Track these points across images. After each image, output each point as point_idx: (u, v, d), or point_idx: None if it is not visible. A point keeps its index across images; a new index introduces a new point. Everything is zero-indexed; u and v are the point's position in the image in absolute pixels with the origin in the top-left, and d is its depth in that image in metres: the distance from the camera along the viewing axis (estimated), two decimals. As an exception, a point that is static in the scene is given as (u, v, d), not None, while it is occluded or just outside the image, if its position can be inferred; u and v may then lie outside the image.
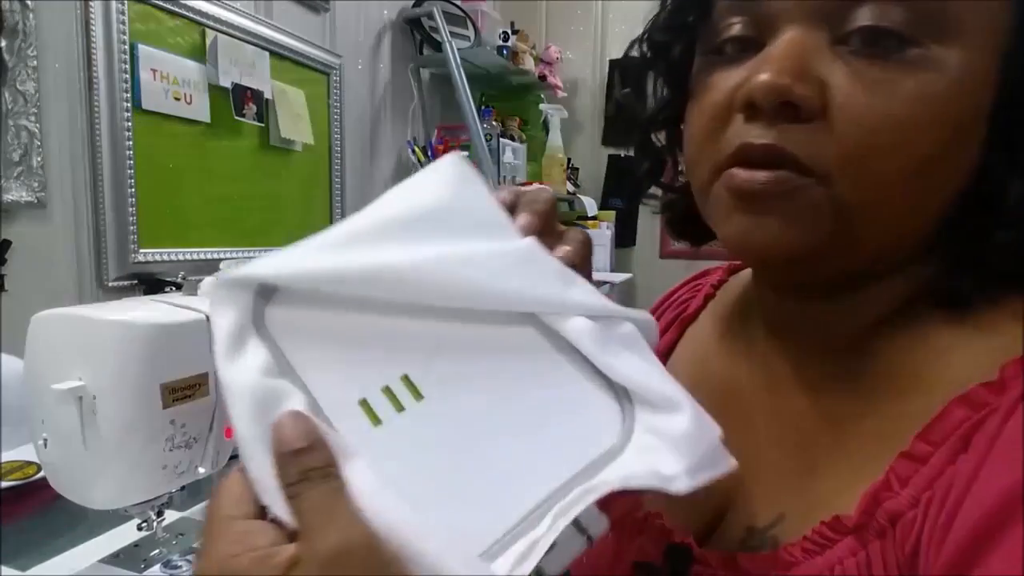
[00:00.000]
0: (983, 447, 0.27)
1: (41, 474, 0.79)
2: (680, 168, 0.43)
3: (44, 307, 0.44)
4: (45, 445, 0.44)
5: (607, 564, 0.42)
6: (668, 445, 0.27)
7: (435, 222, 0.30)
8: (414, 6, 1.86)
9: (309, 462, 0.24)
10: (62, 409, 0.42)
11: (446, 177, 0.31)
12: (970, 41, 0.29)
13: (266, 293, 0.27)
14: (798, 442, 0.37)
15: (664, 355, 0.50)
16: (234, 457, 0.54)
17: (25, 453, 0.85)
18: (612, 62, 2.25)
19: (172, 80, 1.19)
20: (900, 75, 0.29)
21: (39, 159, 1.01)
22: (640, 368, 0.29)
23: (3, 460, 0.82)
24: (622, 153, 2.27)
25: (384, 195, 0.30)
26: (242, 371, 0.25)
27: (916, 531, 0.28)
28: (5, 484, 0.77)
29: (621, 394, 0.29)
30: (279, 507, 0.23)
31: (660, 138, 0.44)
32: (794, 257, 0.33)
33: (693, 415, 0.28)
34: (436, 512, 0.24)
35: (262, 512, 0.24)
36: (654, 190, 0.46)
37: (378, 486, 0.23)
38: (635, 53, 0.42)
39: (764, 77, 0.30)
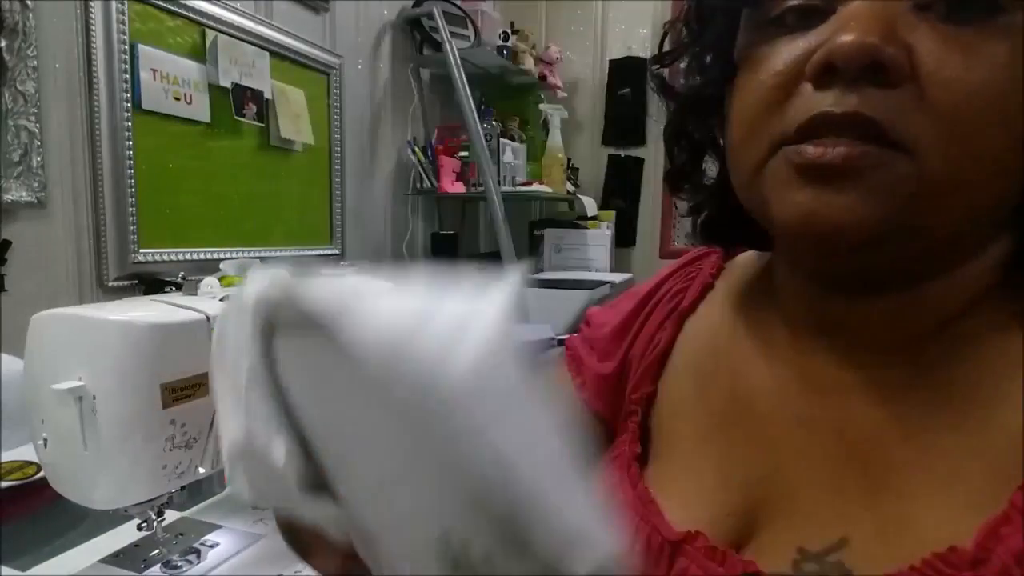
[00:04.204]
0: None
1: (41, 474, 0.79)
2: (705, 168, 0.40)
3: (44, 307, 0.44)
4: (45, 445, 0.44)
5: None
6: None
7: None
8: (414, 6, 1.86)
9: None
10: (62, 409, 0.42)
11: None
12: None
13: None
14: (859, 457, 0.32)
15: (663, 354, 0.46)
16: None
17: (25, 453, 0.84)
18: (612, 62, 2.25)
19: (172, 80, 1.19)
20: (992, 41, 0.26)
21: (39, 159, 1.01)
22: None
23: (3, 460, 0.82)
24: (622, 153, 2.27)
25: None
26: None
27: None
28: (5, 484, 0.77)
29: None
30: None
31: (696, 128, 0.40)
32: (869, 238, 0.29)
33: None
34: None
35: None
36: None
37: None
38: (669, 32, 0.39)
39: (848, 36, 0.27)
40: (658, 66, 0.40)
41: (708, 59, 0.37)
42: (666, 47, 0.39)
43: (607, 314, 0.53)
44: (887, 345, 0.33)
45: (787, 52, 0.30)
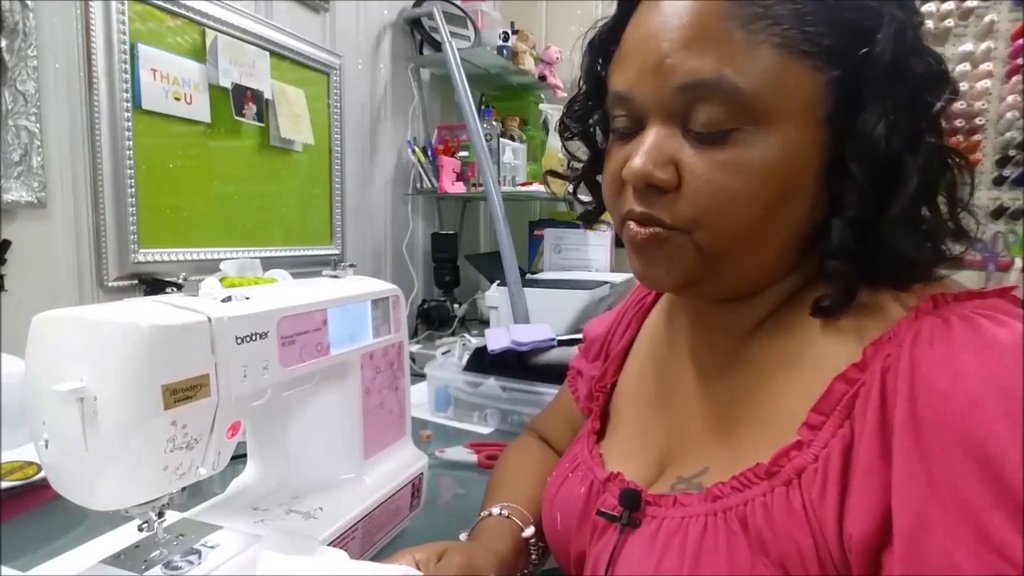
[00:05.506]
0: (870, 418, 0.36)
1: (41, 474, 0.79)
2: None
3: (44, 307, 0.44)
4: (46, 446, 0.44)
5: (578, 521, 0.51)
6: None
7: None
8: (414, 6, 1.86)
9: None
10: (63, 410, 0.42)
11: None
12: (786, 121, 0.39)
13: None
14: (715, 414, 0.47)
15: (625, 350, 0.61)
16: (235, 458, 0.54)
17: (25, 453, 0.85)
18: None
19: (172, 80, 1.19)
20: (730, 154, 0.39)
21: (39, 159, 1.01)
22: None
23: (3, 460, 0.82)
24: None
25: None
26: None
27: (820, 479, 0.37)
28: (5, 484, 0.77)
29: None
30: None
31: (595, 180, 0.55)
32: (677, 288, 0.46)
33: None
34: None
35: None
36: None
37: None
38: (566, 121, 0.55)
39: (635, 164, 0.41)
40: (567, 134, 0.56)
41: (590, 145, 0.54)
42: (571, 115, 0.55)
43: (598, 326, 0.67)
44: (731, 335, 0.48)
45: (618, 158, 0.44)
